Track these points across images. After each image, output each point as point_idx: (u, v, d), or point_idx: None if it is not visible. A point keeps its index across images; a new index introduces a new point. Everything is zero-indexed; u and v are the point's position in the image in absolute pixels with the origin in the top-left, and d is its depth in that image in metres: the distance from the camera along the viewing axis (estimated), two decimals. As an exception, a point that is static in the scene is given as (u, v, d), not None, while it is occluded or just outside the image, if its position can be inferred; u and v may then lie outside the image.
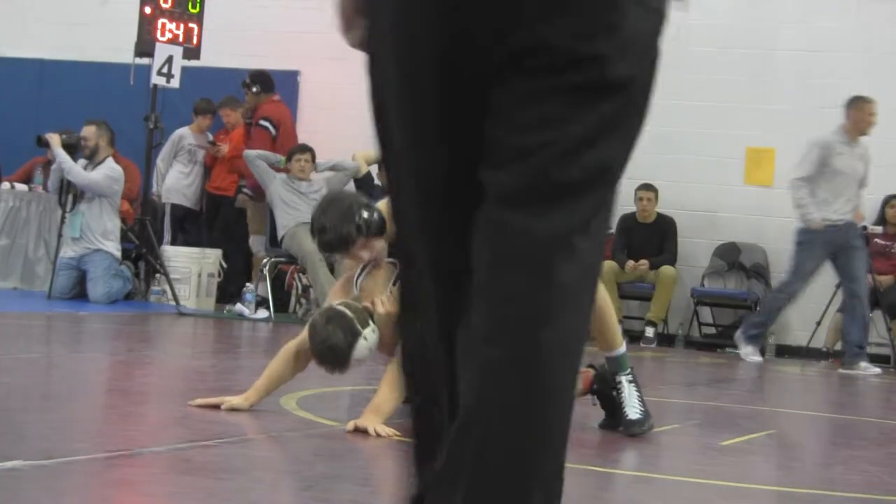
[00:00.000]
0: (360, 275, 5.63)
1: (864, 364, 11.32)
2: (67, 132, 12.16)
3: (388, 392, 5.20)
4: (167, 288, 12.20)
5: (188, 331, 10.92)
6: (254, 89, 13.11)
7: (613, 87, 2.14)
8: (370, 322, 5.25)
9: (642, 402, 5.69)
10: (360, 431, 5.07)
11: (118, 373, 7.45)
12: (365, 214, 5.52)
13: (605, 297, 5.77)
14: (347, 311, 5.22)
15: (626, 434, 5.63)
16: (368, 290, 5.53)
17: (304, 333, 5.35)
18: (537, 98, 2.13)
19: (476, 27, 2.13)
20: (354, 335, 5.17)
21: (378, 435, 5.03)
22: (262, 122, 12.95)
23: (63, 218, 12.07)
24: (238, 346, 10.33)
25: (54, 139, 12.04)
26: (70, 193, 12.05)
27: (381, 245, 5.57)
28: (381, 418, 5.12)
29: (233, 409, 5.44)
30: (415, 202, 2.25)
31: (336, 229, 5.49)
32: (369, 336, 5.22)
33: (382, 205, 5.65)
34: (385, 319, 5.30)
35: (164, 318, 11.50)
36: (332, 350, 5.17)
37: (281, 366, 5.54)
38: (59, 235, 12.10)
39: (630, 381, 5.71)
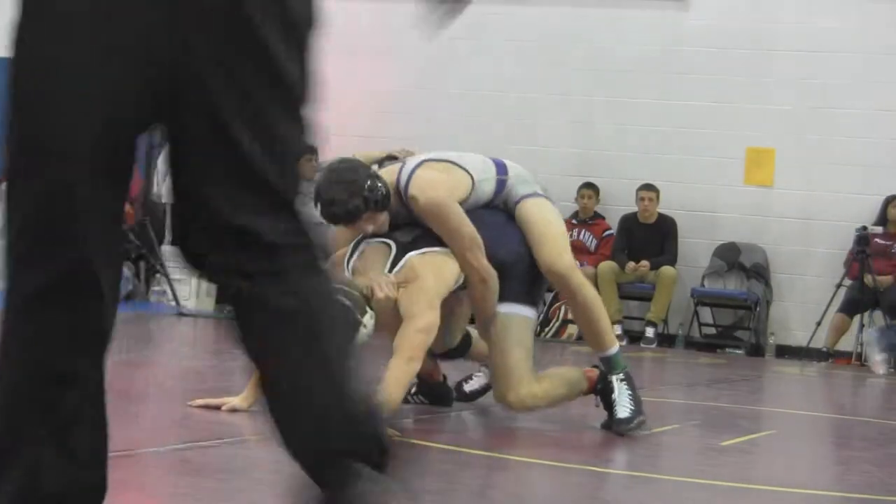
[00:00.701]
0: (350, 256, 5.57)
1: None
2: (67, 132, 12.13)
3: (387, 393, 5.18)
4: (167, 288, 12.19)
5: (188, 331, 10.91)
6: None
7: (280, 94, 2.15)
8: (368, 309, 5.21)
9: (633, 400, 5.67)
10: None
11: (118, 373, 7.42)
12: (371, 186, 5.39)
13: (595, 296, 5.75)
14: (346, 302, 5.17)
15: (615, 433, 5.62)
16: (361, 271, 5.48)
17: None
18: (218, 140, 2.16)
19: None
20: (355, 326, 5.13)
21: (378, 435, 5.01)
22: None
23: (63, 218, 12.05)
24: (238, 346, 10.31)
25: (54, 140, 12.02)
26: (70, 194, 12.03)
27: (384, 218, 5.51)
28: (381, 419, 5.10)
29: (233, 410, 5.44)
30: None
31: (344, 204, 5.33)
32: (368, 323, 5.18)
33: (386, 174, 5.57)
34: (384, 303, 5.26)
35: (164, 318, 11.49)
36: None
37: None
38: (60, 236, 12.08)
39: (622, 380, 5.70)
